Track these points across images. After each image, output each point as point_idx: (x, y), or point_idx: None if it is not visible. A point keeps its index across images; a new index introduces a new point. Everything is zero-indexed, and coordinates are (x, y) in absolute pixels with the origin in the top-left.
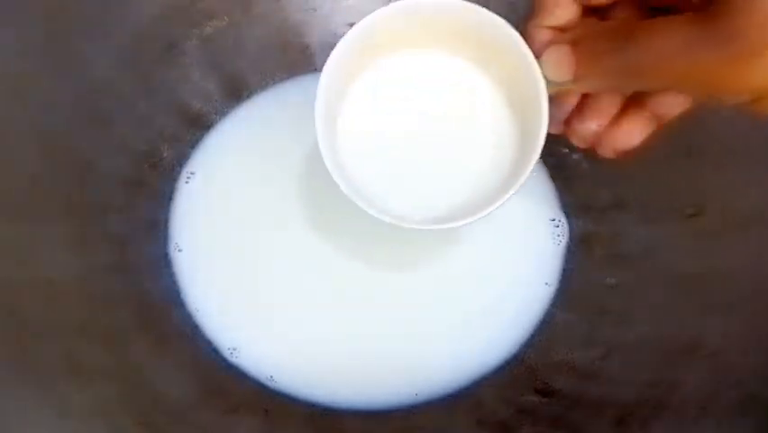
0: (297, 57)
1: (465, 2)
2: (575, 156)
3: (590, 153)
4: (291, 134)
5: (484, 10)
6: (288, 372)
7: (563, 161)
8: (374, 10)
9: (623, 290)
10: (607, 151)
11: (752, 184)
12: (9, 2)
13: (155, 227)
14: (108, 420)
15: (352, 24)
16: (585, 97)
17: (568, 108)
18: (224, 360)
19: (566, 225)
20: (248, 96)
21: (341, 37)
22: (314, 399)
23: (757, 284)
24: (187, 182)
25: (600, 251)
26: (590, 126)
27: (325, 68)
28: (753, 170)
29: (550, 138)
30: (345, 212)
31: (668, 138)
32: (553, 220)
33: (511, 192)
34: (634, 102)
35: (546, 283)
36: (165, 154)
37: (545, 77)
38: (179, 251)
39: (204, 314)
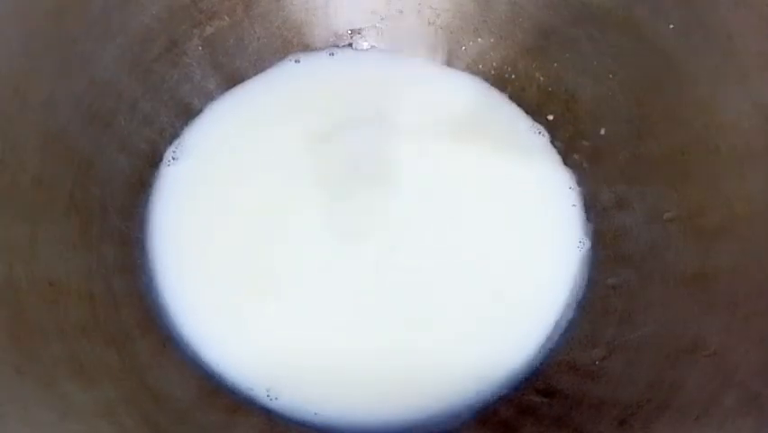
0: (298, 57)
1: None
2: (575, 156)
3: (590, 153)
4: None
5: None
6: (285, 387)
7: (563, 160)
8: (375, 9)
9: (624, 290)
10: None
11: (752, 184)
12: (9, 1)
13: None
14: (111, 420)
15: (352, 25)
16: None
17: None
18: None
19: (588, 240)
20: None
21: (341, 37)
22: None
23: (757, 284)
24: (168, 165)
25: (602, 251)
26: None
27: None
28: (753, 169)
29: (550, 137)
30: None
31: (669, 138)
32: (580, 242)
33: None
34: None
35: (566, 290)
36: (166, 153)
37: None
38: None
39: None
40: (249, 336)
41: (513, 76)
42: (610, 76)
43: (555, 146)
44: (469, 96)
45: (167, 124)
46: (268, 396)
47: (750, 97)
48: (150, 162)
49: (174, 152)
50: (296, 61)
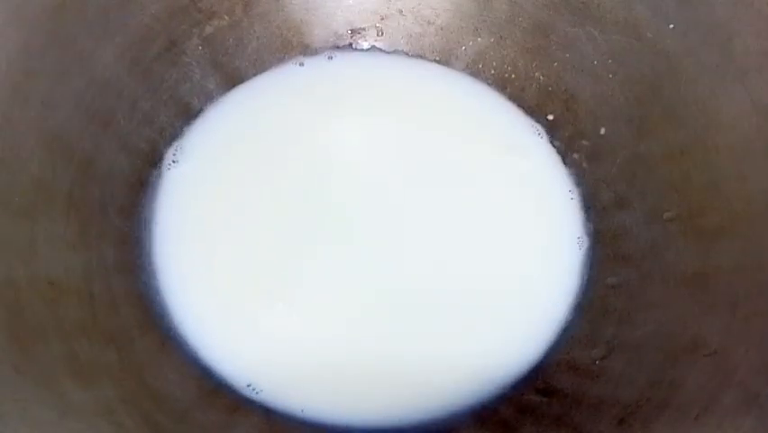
0: (298, 57)
1: None
2: (575, 156)
3: (590, 153)
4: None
5: None
6: (273, 381)
7: (563, 160)
8: (375, 9)
9: (624, 290)
10: None
11: (752, 184)
12: (9, 1)
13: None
14: (110, 420)
15: (352, 25)
16: None
17: None
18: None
19: (587, 240)
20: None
21: (341, 37)
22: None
23: (757, 284)
24: (168, 164)
25: (601, 250)
26: None
27: None
28: (753, 169)
29: (550, 137)
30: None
31: (669, 138)
32: (580, 242)
33: None
34: None
35: (566, 290)
36: (166, 153)
37: None
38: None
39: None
40: (248, 336)
41: (513, 76)
42: (610, 76)
43: (555, 146)
44: (468, 96)
45: (166, 124)
46: (265, 394)
47: (750, 97)
48: (150, 162)
49: (173, 151)
50: (300, 65)
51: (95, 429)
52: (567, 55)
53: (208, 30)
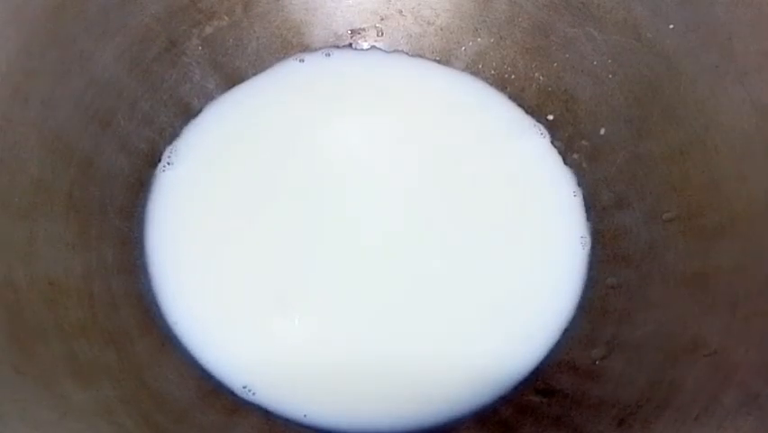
0: (298, 57)
1: None
2: (575, 156)
3: (589, 153)
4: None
5: None
6: (269, 383)
7: (563, 160)
8: (375, 9)
9: (624, 290)
10: None
11: (752, 184)
12: (9, 1)
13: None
14: (109, 420)
15: (352, 25)
16: None
17: None
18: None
19: (587, 240)
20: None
21: (341, 37)
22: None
23: (757, 284)
24: (167, 164)
25: (601, 250)
26: None
27: None
28: (753, 169)
29: (550, 137)
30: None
31: (669, 138)
32: (580, 242)
33: None
34: None
35: (566, 290)
36: (165, 153)
37: None
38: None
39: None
40: (245, 336)
41: (513, 76)
42: (610, 76)
43: (555, 146)
44: (469, 96)
45: (166, 124)
46: (260, 396)
47: (750, 97)
48: (150, 162)
49: (173, 152)
50: (300, 61)
51: (95, 429)
52: (567, 55)
53: (208, 30)
